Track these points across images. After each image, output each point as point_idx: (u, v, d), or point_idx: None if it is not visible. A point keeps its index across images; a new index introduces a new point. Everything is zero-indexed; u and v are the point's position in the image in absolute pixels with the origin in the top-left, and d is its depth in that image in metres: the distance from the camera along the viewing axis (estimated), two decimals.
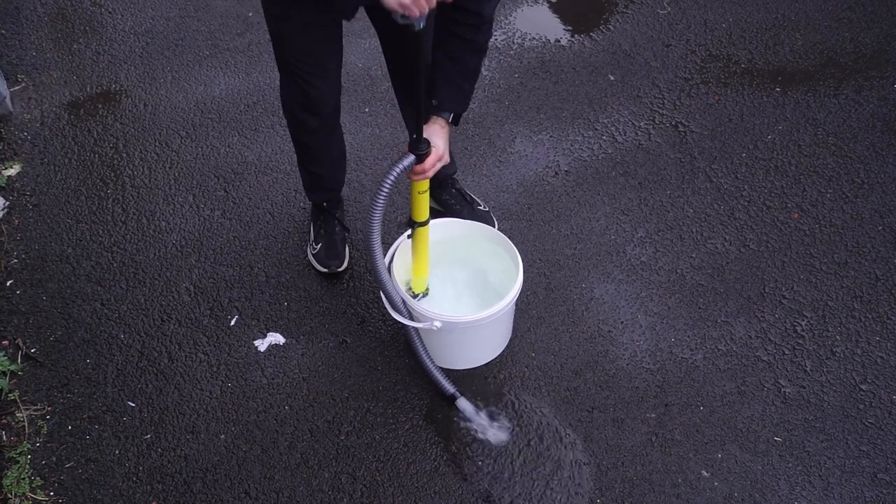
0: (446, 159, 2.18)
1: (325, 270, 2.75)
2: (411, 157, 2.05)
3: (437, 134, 2.14)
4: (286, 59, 2.33)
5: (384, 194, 2.05)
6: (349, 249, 2.81)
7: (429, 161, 2.09)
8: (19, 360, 2.61)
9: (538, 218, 2.93)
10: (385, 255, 2.39)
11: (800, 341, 2.56)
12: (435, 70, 2.15)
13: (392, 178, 2.04)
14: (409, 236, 2.34)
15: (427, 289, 2.48)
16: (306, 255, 2.83)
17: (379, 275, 2.22)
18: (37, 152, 3.27)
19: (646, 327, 2.61)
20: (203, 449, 2.39)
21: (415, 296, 2.45)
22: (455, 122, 2.24)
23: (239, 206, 3.03)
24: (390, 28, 2.21)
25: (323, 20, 2.23)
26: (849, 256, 2.78)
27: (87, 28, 3.84)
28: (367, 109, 3.35)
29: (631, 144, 3.19)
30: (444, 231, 2.51)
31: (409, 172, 2.10)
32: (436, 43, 2.15)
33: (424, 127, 2.09)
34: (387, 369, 2.55)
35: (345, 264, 2.77)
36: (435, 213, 2.81)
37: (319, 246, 2.76)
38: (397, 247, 2.42)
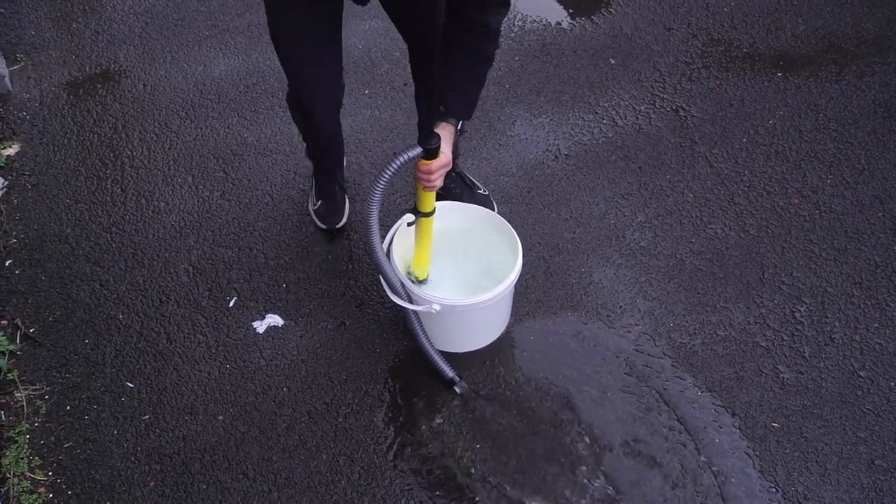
0: (450, 165, 2.17)
1: (325, 227, 2.78)
2: (419, 149, 2.05)
3: (443, 139, 2.11)
4: (282, 57, 2.32)
5: (385, 181, 2.07)
6: (349, 206, 2.85)
7: (436, 163, 2.08)
8: (18, 340, 2.61)
9: (538, 202, 2.93)
10: (384, 238, 2.39)
11: (798, 327, 2.56)
12: (443, 77, 2.13)
13: (395, 166, 2.04)
14: (409, 224, 2.33)
15: (428, 275, 2.48)
16: (307, 211, 2.87)
17: (377, 257, 2.23)
18: (36, 132, 3.26)
19: (644, 312, 2.61)
20: (201, 430, 2.40)
21: (416, 281, 2.44)
22: (461, 131, 2.24)
23: (238, 187, 3.02)
24: (403, 17, 2.22)
25: (321, 12, 2.21)
26: (848, 243, 2.77)
27: (87, 7, 3.81)
28: (366, 91, 3.34)
29: (631, 128, 3.17)
30: (443, 214, 2.50)
31: (416, 170, 2.11)
32: (444, 51, 2.12)
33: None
34: (385, 352, 2.55)
35: (344, 219, 2.82)
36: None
37: (320, 202, 2.80)
38: (396, 230, 2.41)
